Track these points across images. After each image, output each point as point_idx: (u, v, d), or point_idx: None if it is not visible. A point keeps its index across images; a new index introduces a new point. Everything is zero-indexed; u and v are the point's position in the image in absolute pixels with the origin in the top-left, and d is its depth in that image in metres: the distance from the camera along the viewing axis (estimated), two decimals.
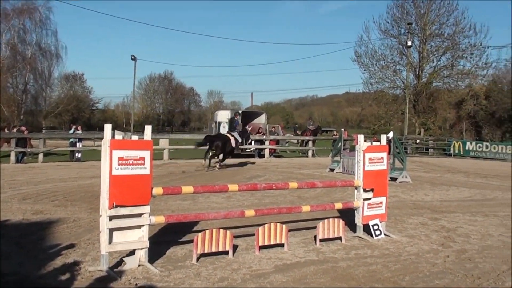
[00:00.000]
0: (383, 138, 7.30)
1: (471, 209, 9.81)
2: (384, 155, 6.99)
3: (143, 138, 5.26)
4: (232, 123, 19.04)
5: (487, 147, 29.33)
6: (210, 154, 17.35)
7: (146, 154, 5.16)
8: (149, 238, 5.38)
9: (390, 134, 16.07)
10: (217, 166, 17.62)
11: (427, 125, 38.35)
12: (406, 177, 14.82)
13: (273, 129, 28.36)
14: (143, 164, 5.13)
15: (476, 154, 29.52)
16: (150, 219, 5.29)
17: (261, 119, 29.20)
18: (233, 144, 18.60)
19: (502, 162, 27.11)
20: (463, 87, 38.34)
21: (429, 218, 8.65)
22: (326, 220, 6.58)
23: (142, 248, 5.26)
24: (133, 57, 45.23)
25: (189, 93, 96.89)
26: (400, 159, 15.05)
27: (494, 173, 19.20)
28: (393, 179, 14.79)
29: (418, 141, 34.37)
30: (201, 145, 17.63)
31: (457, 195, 12.11)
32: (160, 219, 5.45)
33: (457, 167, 21.58)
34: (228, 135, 18.43)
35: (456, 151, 30.47)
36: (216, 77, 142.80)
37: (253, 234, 6.15)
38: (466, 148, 30.09)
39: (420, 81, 37.71)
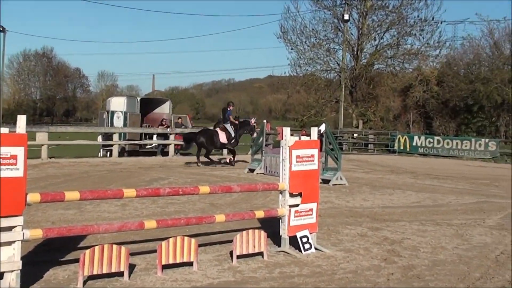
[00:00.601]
0: (314, 131, 7.78)
1: (420, 217, 10.65)
2: (315, 152, 7.43)
3: (15, 132, 5.26)
4: (224, 114, 20.71)
5: (438, 142, 31.54)
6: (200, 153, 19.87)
7: (19, 152, 5.17)
8: (22, 258, 5.38)
9: (322, 127, 16.93)
10: (228, 160, 20.88)
11: (367, 116, 40.23)
12: (341, 178, 15.66)
13: (180, 120, 28.52)
14: (15, 164, 5.14)
15: (426, 150, 31.63)
16: (23, 234, 5.29)
17: (165, 108, 29.21)
18: (223, 139, 20.38)
19: (457, 160, 29.38)
20: (410, 70, 40.57)
21: (369, 228, 9.31)
22: (244, 232, 6.89)
23: (12, 271, 5.24)
24: (1, 29, 43.80)
25: (75, 75, 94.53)
26: (334, 157, 15.81)
27: (447, 174, 20.84)
28: (326, 181, 15.57)
29: (355, 135, 36.06)
30: (188, 144, 20.34)
31: (402, 200, 13.05)
32: (37, 233, 5.46)
33: (402, 167, 23.08)
34: (218, 129, 20.39)
35: (402, 148, 32.44)
36: (108, 55, 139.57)
37: (155, 251, 6.32)
38: (414, 143, 32.15)
39: (358, 62, 39.36)
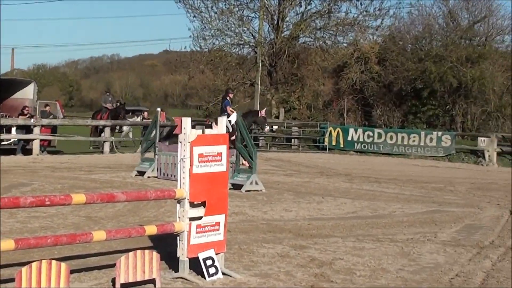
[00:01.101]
0: (222, 122, 7.85)
1: (356, 231, 10.94)
2: (223, 149, 7.48)
3: None
4: (226, 105, 21.38)
5: (380, 136, 32.44)
6: None
7: None
8: None
9: (233, 117, 17.04)
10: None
11: (290, 104, 40.71)
12: (256, 183, 15.82)
13: (48, 108, 27.89)
14: None
15: (364, 147, 32.47)
16: None
17: (27, 92, 28.45)
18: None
19: (403, 159, 30.36)
20: (345, 45, 41.35)
21: (292, 246, 9.45)
22: (131, 254, 6.80)
23: None
24: None
25: None
26: (247, 156, 15.99)
27: (390, 176, 21.52)
28: (237, 186, 15.70)
29: (275, 127, 36.45)
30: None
31: (334, 211, 13.34)
32: None
33: (334, 167, 23.62)
34: (213, 123, 20.24)
35: (334, 143, 33.13)
36: None
37: (12, 280, 6.18)
38: (349, 138, 32.92)
39: (279, 35, 39.69)
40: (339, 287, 7.35)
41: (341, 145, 32.88)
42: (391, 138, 32.17)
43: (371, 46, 41.29)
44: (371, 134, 32.66)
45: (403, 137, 31.95)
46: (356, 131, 33.17)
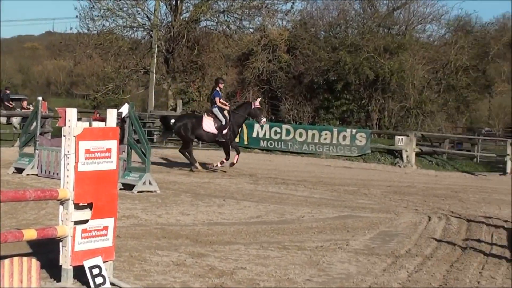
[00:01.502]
0: (112, 114, 7.79)
1: (260, 238, 11.09)
2: (112, 145, 7.47)
3: None
4: (214, 97, 21.88)
5: (288, 133, 32.76)
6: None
7: None
8: None
9: (125, 109, 16.94)
10: (217, 164, 22.09)
11: (189, 95, 40.59)
12: (150, 183, 15.82)
13: None
14: None
15: (271, 144, 32.70)
16: None
17: None
18: (208, 127, 21.79)
19: (313, 158, 30.76)
20: (251, 30, 41.51)
21: (189, 253, 9.52)
22: (7, 261, 6.63)
23: None
24: None
25: None
26: (140, 153, 15.94)
27: (299, 177, 21.84)
28: (129, 186, 15.65)
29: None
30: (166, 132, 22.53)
31: (236, 215, 13.47)
32: None
33: (237, 167, 23.71)
34: (205, 114, 21.89)
35: (238, 140, 33.21)
36: None
37: None
38: (254, 134, 33.10)
39: (178, 17, 39.56)
40: None
41: (245, 142, 32.98)
42: (300, 135, 32.46)
43: (280, 32, 41.56)
44: (278, 130, 32.89)
45: (313, 135, 32.27)
46: (262, 127, 33.27)
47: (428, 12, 43.44)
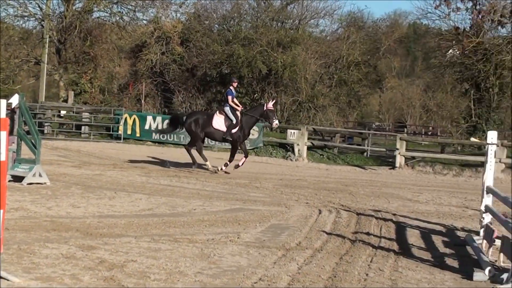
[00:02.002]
0: (1, 105, 7.59)
1: (152, 231, 11.07)
2: (1, 135, 7.34)
3: None
4: (227, 96, 22.06)
5: None
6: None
7: None
8: None
9: (14, 100, 16.55)
10: (222, 167, 22.11)
11: (81, 86, 40.05)
12: (40, 175, 15.59)
13: None
14: None
15: (163, 137, 32.49)
16: None
17: None
18: (218, 125, 21.85)
19: (206, 151, 30.72)
20: (145, 22, 41.29)
21: (79, 246, 9.42)
22: None
23: None
24: None
25: None
26: (30, 144, 15.63)
27: (191, 171, 21.81)
28: (18, 178, 15.36)
29: (63, 112, 35.80)
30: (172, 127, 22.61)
31: (128, 207, 13.42)
32: None
33: (127, 159, 23.60)
34: (217, 112, 22.16)
35: (129, 132, 33.07)
36: None
37: None
38: (147, 126, 33.00)
39: (71, 7, 38.95)
40: None
41: (138, 135, 32.85)
42: None
43: (173, 24, 41.43)
44: None
45: None
46: (154, 119, 33.22)
47: (321, 7, 44.12)
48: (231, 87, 22.42)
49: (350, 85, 43.66)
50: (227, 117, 21.94)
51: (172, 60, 41.32)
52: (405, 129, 52.67)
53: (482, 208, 12.13)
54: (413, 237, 12.28)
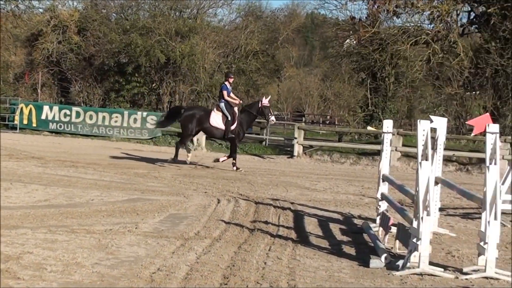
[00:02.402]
0: None
1: (48, 222, 10.94)
2: None
3: None
4: (221, 91, 22.10)
5: (78, 115, 32.68)
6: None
7: None
8: None
9: None
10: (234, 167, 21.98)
11: None
12: None
13: None
14: None
15: (60, 127, 32.25)
16: None
17: None
18: (216, 123, 21.77)
19: (104, 141, 30.52)
20: (41, 10, 40.52)
21: None
22: None
23: None
24: None
25: None
26: None
27: (89, 160, 21.70)
28: None
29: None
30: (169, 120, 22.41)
31: (24, 198, 13.25)
32: None
33: (25, 150, 23.26)
34: (215, 109, 22.05)
35: (25, 122, 32.58)
36: None
37: None
38: (43, 116, 32.54)
39: None
40: (27, 285, 7.31)
41: (34, 125, 32.40)
42: (90, 117, 32.23)
43: (70, 13, 40.85)
44: (68, 112, 32.49)
45: (104, 117, 32.15)
46: (51, 109, 32.79)
47: None
48: (226, 82, 22.09)
49: (248, 74, 43.82)
50: (223, 115, 21.73)
51: (69, 49, 40.76)
52: (303, 118, 53.40)
53: (378, 196, 12.42)
54: (311, 225, 12.47)
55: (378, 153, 14.79)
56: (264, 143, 32.78)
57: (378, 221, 11.99)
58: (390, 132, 12.60)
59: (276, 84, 55.43)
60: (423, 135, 9.09)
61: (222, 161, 22.40)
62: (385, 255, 9.38)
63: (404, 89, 36.77)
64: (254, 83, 45.93)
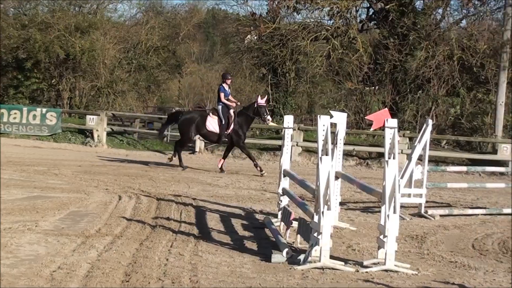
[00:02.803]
0: None
1: None
2: None
3: None
4: (218, 93, 21.53)
5: None
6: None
7: None
8: None
9: None
10: (261, 173, 21.25)
11: None
12: None
13: None
14: None
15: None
16: None
17: None
18: (211, 126, 21.22)
19: (3, 138, 29.77)
20: None
21: None
22: None
23: None
24: None
25: None
26: None
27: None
28: None
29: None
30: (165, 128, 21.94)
31: None
32: None
33: None
34: (211, 113, 21.60)
35: None
36: None
37: None
38: None
39: None
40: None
41: None
42: None
43: None
44: None
45: (2, 114, 31.45)
46: None
47: None
48: (224, 84, 21.50)
49: (149, 70, 43.71)
50: (219, 118, 21.18)
51: None
52: None
53: (280, 191, 12.54)
54: (213, 221, 12.51)
55: (279, 148, 14.91)
56: (165, 139, 32.60)
57: (279, 216, 12.10)
58: (291, 128, 12.73)
59: (178, 80, 55.32)
60: (323, 130, 9.23)
61: (220, 165, 22.02)
62: (286, 249, 9.47)
63: (304, 84, 37.11)
64: (155, 79, 45.83)
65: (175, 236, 10.68)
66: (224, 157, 22.31)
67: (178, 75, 52.63)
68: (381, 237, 9.14)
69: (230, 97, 21.80)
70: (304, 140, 28.01)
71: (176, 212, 13.20)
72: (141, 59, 42.53)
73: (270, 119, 22.19)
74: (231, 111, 21.52)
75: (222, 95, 21.44)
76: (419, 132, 17.05)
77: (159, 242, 10.08)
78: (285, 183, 12.52)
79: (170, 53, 46.79)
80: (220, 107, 21.49)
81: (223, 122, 21.29)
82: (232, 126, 21.33)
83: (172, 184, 17.73)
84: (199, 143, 28.24)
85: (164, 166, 22.85)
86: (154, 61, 43.21)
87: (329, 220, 9.01)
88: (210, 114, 21.78)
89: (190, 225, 11.85)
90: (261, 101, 21.47)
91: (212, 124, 21.46)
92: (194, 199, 15.15)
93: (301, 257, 9.23)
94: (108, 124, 31.19)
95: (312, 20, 35.59)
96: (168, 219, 12.32)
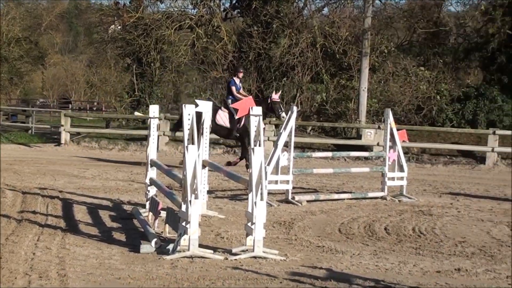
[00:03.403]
0: None
1: None
2: None
3: None
4: (229, 87, 20.28)
5: None
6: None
7: None
8: None
9: None
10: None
11: None
12: None
13: None
14: None
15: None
16: None
17: None
18: (222, 120, 19.77)
19: None
20: None
21: None
22: None
23: None
24: None
25: None
26: None
27: None
28: None
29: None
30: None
31: None
32: None
33: None
34: (222, 107, 20.39)
35: None
36: None
37: None
38: None
39: None
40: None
41: None
42: None
43: None
44: None
45: None
46: None
47: None
48: (235, 78, 20.14)
49: (11, 62, 42.63)
50: (229, 112, 19.68)
51: None
52: (70, 105, 52.53)
53: (147, 181, 12.50)
54: (80, 213, 12.35)
55: (146, 138, 14.82)
56: (30, 131, 31.85)
57: (147, 206, 12.06)
58: (156, 117, 12.70)
59: (41, 72, 54.21)
60: (189, 119, 9.26)
61: (234, 164, 20.59)
62: (155, 239, 9.45)
63: (170, 73, 36.90)
64: (17, 70, 44.79)
65: (42, 229, 10.49)
66: (241, 158, 20.82)
67: (41, 67, 51.58)
68: (249, 224, 9.24)
69: (241, 90, 20.66)
70: (170, 130, 27.93)
71: (43, 206, 12.95)
72: (2, 50, 41.41)
73: (285, 116, 20.66)
74: None
75: (233, 88, 20.20)
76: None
77: (26, 236, 9.89)
78: (152, 173, 12.49)
79: (32, 44, 45.80)
80: (230, 101, 20.10)
81: (235, 117, 19.35)
82: (243, 122, 19.69)
83: (38, 177, 17.36)
84: (65, 135, 27.70)
85: (29, 158, 22.31)
86: (16, 52, 42.19)
87: (197, 208, 9.04)
88: (222, 107, 20.62)
89: (57, 218, 11.66)
90: (275, 97, 20.25)
91: (222, 118, 20.12)
92: (60, 191, 14.89)
93: (170, 246, 9.24)
94: None
95: (176, 9, 35.43)
96: (34, 212, 12.08)
